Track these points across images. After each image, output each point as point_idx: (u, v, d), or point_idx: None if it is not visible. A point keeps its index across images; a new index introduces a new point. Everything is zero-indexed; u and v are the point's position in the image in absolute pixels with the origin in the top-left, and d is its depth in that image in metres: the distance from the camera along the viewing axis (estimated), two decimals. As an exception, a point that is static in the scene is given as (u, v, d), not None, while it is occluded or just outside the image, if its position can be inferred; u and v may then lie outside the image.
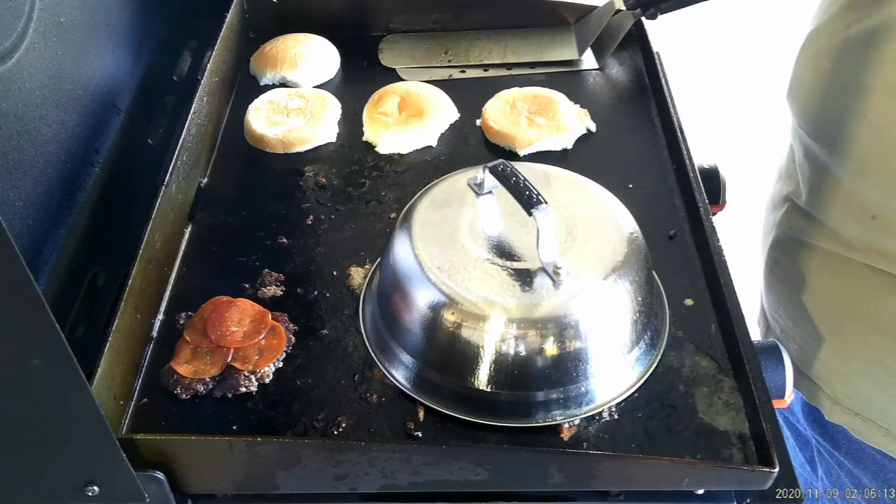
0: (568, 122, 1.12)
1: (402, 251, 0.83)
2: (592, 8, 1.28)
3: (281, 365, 0.85)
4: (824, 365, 1.04)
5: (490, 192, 0.87)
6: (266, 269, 0.95)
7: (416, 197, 0.90)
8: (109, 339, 0.79)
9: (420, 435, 0.80)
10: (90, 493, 0.72)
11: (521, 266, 0.80)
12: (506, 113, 1.13)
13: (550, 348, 0.78)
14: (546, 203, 0.78)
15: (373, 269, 0.95)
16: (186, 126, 1.02)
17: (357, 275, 0.95)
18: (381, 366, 0.85)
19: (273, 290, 0.93)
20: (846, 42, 0.93)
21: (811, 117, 1.00)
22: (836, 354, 1.02)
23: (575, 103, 1.16)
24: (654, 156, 1.10)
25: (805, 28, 1.02)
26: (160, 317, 0.91)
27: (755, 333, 1.00)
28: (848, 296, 0.99)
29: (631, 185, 1.04)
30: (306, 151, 1.13)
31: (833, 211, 0.98)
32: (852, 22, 0.92)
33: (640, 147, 1.12)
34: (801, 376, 1.06)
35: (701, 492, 0.77)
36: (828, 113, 0.97)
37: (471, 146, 1.14)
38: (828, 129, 0.97)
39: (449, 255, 0.81)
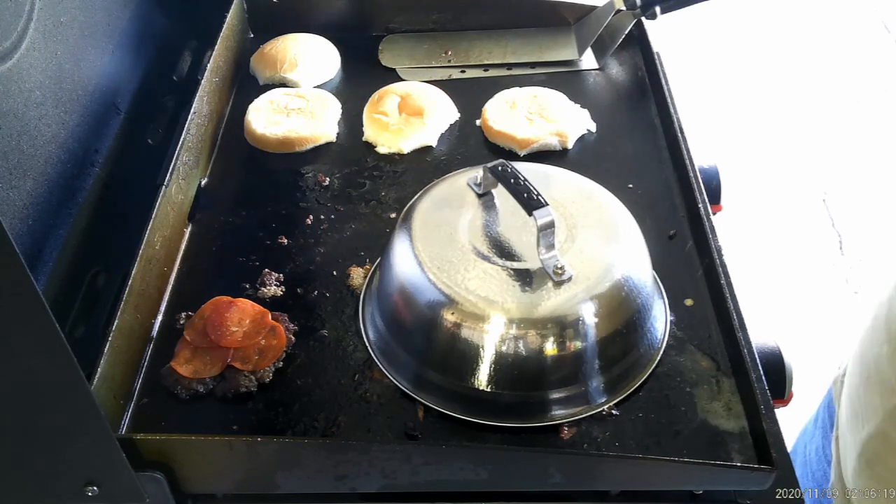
0: (568, 122, 1.12)
1: (402, 251, 0.83)
2: (592, 8, 1.28)
3: (281, 365, 0.85)
4: None
5: (490, 192, 0.87)
6: (266, 269, 0.95)
7: (416, 197, 0.90)
8: (109, 339, 0.79)
9: (420, 435, 0.80)
10: (90, 493, 0.72)
11: (521, 266, 0.80)
12: (506, 113, 1.13)
13: (550, 348, 0.78)
14: (546, 203, 0.78)
15: (373, 269, 0.95)
16: (186, 126, 1.02)
17: (357, 275, 0.95)
18: (381, 366, 0.85)
19: (273, 290, 0.93)
20: None
21: None
22: None
23: (575, 103, 1.16)
24: (654, 156, 1.10)
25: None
26: (160, 317, 0.91)
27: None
28: None
29: (631, 185, 1.04)
30: (306, 151, 1.12)
31: None
32: None
33: (640, 147, 1.11)
34: None
35: (701, 492, 0.77)
36: None
37: (471, 146, 1.14)
38: None
39: (449, 255, 0.81)
